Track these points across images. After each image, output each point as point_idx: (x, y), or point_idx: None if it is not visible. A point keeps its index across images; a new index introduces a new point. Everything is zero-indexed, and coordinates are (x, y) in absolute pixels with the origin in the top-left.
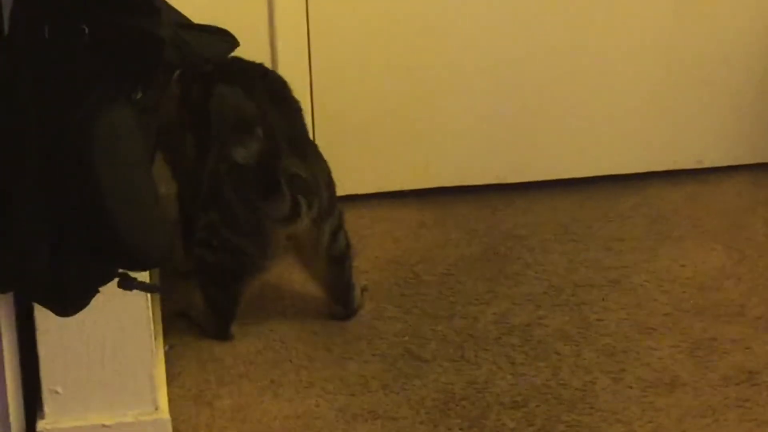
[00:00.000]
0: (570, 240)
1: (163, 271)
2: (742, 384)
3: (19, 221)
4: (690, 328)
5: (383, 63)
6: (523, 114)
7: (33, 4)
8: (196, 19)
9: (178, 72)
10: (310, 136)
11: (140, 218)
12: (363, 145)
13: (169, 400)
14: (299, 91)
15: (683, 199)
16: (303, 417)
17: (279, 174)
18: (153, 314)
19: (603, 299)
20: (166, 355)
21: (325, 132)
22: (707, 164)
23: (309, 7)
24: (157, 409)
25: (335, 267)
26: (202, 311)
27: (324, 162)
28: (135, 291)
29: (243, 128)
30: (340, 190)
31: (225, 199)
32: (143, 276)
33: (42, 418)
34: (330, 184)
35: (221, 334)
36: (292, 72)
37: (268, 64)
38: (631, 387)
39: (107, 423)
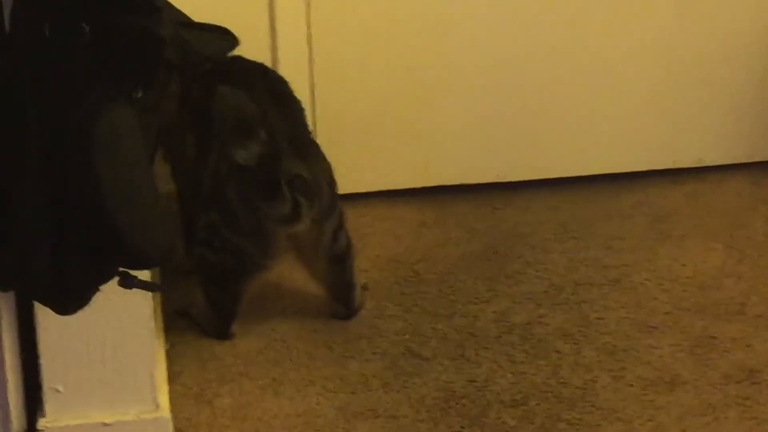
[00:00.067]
0: (570, 239)
1: (164, 270)
2: (742, 382)
3: (19, 220)
4: (690, 326)
5: (384, 62)
6: (523, 113)
7: (33, 3)
8: (197, 17)
9: (178, 72)
10: (312, 134)
11: (141, 217)
12: (364, 143)
13: (170, 399)
14: (300, 90)
15: (683, 197)
16: (304, 415)
17: (280, 175)
18: (154, 313)
19: (603, 298)
20: (167, 353)
21: (326, 131)
22: (707, 163)
23: (310, 7)
24: (157, 407)
25: (336, 266)
26: (203, 310)
27: (325, 161)
28: (136, 290)
29: (244, 129)
30: (341, 189)
31: (226, 199)
32: (144, 275)
33: (43, 416)
34: (331, 184)
35: (222, 333)
36: (292, 71)
37: (268, 63)
38: (631, 385)
39: (108, 421)
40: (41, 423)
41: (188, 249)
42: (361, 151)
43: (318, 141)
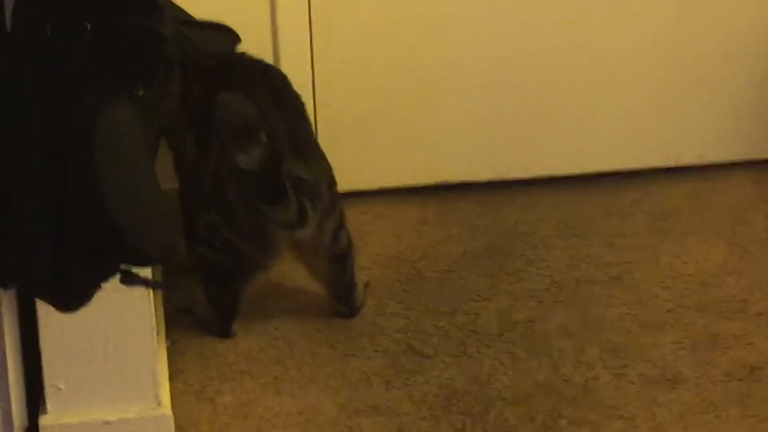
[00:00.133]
0: (572, 236)
1: (166, 267)
2: (744, 380)
3: (20, 219)
4: (692, 324)
5: (385, 60)
6: (524, 111)
7: (35, 3)
8: (198, 15)
9: (179, 70)
10: (312, 132)
11: (142, 216)
12: (365, 141)
13: (172, 396)
14: (301, 88)
15: (685, 195)
16: (305, 413)
17: (284, 179)
18: (155, 310)
19: (605, 295)
20: (169, 351)
21: (328, 129)
22: (709, 160)
23: (311, 4)
24: (159, 404)
25: (337, 266)
26: (204, 309)
27: (325, 160)
28: (137, 287)
29: (246, 134)
30: (342, 187)
31: (226, 199)
32: (146, 272)
33: (44, 413)
34: (331, 183)
35: (223, 331)
36: (294, 69)
37: (270, 61)
38: (632, 383)
39: (109, 419)
40: (42, 420)
41: (189, 247)
42: (362, 148)
43: (319, 139)
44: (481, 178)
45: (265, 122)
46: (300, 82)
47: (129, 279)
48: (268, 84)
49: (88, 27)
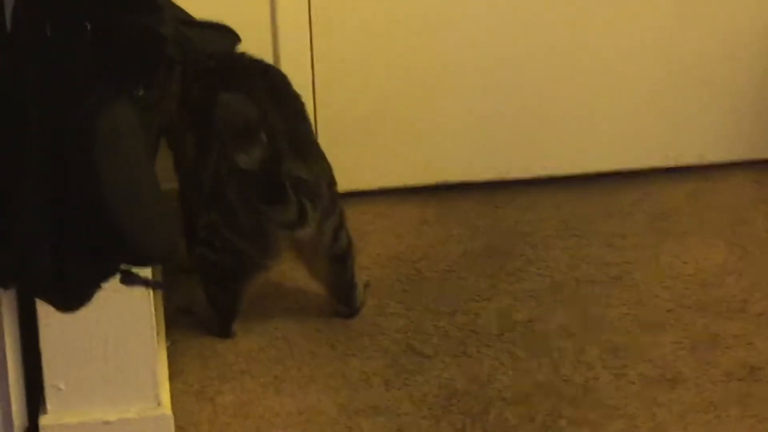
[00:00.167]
0: (572, 236)
1: (166, 267)
2: (744, 380)
3: (21, 218)
4: (692, 324)
5: (385, 60)
6: (524, 111)
7: (35, 3)
8: (199, 15)
9: (179, 70)
10: (313, 132)
11: (142, 215)
12: (365, 141)
13: (172, 396)
14: (301, 88)
15: (685, 195)
16: (305, 413)
17: (284, 179)
18: (155, 310)
19: (605, 295)
20: (169, 351)
21: (328, 128)
22: (709, 160)
23: (311, 4)
24: (159, 404)
25: (337, 266)
26: (204, 308)
27: (325, 160)
28: (137, 287)
29: (246, 133)
30: (343, 187)
31: (226, 200)
32: (146, 272)
33: (44, 413)
34: (331, 183)
35: (223, 332)
36: (294, 69)
37: (270, 61)
38: (632, 383)
39: (109, 419)
40: (42, 420)
41: (189, 247)
42: (362, 148)
43: (319, 139)
44: (481, 178)
45: (265, 122)
46: (300, 82)
47: (129, 279)
48: (268, 84)
49: (88, 27)
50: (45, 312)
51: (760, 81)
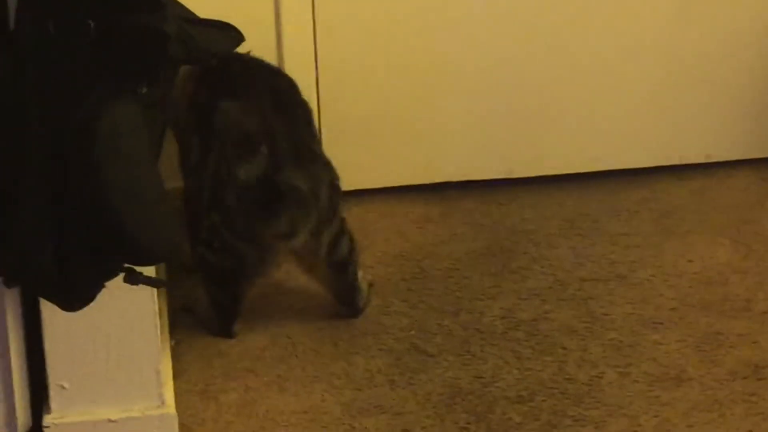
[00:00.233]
0: (576, 235)
1: (169, 266)
2: (748, 378)
3: (23, 217)
4: (696, 322)
5: (389, 60)
6: (528, 109)
7: (38, 1)
8: (202, 14)
9: (191, 69)
10: (317, 139)
11: (144, 214)
12: (368, 140)
13: (176, 395)
14: (305, 88)
15: (690, 193)
16: (309, 412)
17: (278, 193)
18: (159, 309)
19: (609, 294)
20: (173, 349)
21: (331, 128)
22: (714, 159)
23: (315, 5)
24: (163, 403)
25: (337, 273)
26: (206, 308)
27: (327, 168)
28: (141, 286)
29: (247, 146)
30: (347, 186)
31: (225, 203)
32: (149, 270)
33: (48, 412)
34: (332, 192)
35: (223, 332)
36: (297, 69)
37: (273, 61)
38: (637, 381)
39: (113, 418)
40: (47, 419)
41: (193, 245)
42: (365, 147)
43: (323, 139)
44: (484, 176)
45: (268, 131)
46: (304, 82)
47: (133, 278)
48: (275, 89)
49: (91, 25)
50: (49, 311)
51: (765, 79)
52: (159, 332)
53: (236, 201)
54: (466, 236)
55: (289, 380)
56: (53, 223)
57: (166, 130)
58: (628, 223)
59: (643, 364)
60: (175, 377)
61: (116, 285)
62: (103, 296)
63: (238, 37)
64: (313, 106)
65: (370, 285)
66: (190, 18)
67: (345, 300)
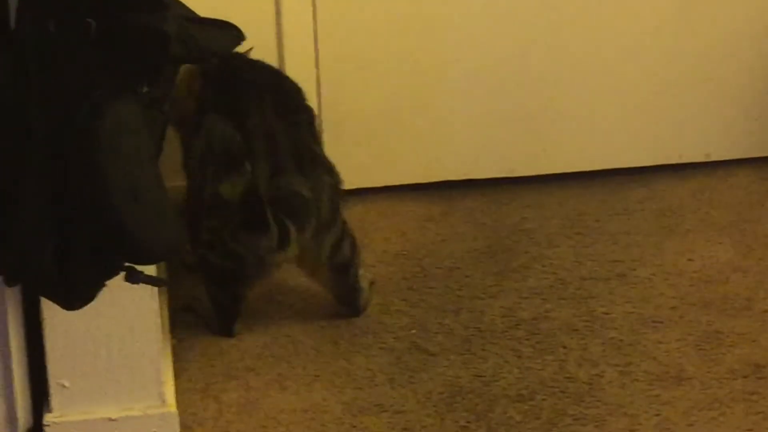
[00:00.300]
0: (577, 233)
1: (170, 265)
2: (748, 377)
3: (24, 216)
4: (696, 321)
5: (390, 58)
6: (529, 108)
7: (38, 0)
8: (203, 13)
9: (197, 68)
10: (319, 145)
11: (145, 213)
12: (370, 139)
13: (176, 394)
14: (306, 86)
15: (690, 192)
16: (310, 410)
17: (264, 209)
18: (160, 308)
19: (610, 293)
20: (173, 348)
21: (332, 127)
22: (714, 158)
23: (315, 4)
24: (164, 402)
25: (339, 275)
26: (206, 308)
27: (329, 173)
28: (142, 284)
29: (229, 164)
30: (348, 185)
31: (225, 206)
32: (150, 269)
33: (49, 411)
34: (334, 196)
35: (224, 331)
36: (298, 67)
37: (274, 60)
38: (637, 380)
39: (114, 416)
40: (47, 418)
41: (194, 243)
42: (367, 146)
43: (324, 138)
44: (485, 175)
45: (270, 135)
46: (305, 81)
47: (133, 277)
48: (278, 95)
49: (92, 24)
50: (50, 310)
51: (765, 79)
52: (160, 331)
53: (222, 218)
54: (466, 235)
55: (289, 379)
56: (54, 222)
57: (167, 129)
58: (629, 222)
59: (644, 362)
60: (175, 376)
61: (117, 284)
62: (103, 295)
63: (238, 36)
64: (314, 105)
65: (371, 284)
66: (190, 17)
67: (346, 301)
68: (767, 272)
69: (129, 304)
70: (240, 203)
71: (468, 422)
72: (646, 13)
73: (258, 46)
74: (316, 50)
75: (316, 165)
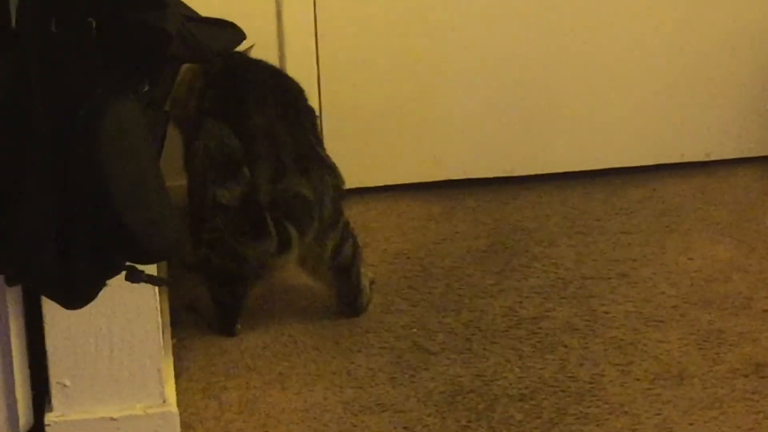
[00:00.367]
0: (578, 233)
1: (171, 264)
2: (749, 376)
3: (25, 215)
4: (697, 320)
5: (391, 57)
6: (531, 107)
7: None
8: (204, 12)
9: (198, 67)
10: (321, 145)
11: (146, 212)
12: (371, 138)
13: (177, 393)
14: (307, 85)
15: (691, 192)
16: (311, 410)
17: (264, 214)
18: (161, 307)
19: (611, 292)
20: (174, 348)
21: (333, 126)
22: (715, 157)
23: (316, 1)
24: (164, 401)
25: (341, 275)
26: (208, 307)
27: (332, 174)
28: (142, 284)
29: (228, 169)
30: (349, 184)
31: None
32: (151, 269)
33: (50, 411)
34: (336, 197)
35: (226, 330)
36: (299, 66)
37: (275, 58)
38: (638, 379)
39: (115, 416)
40: (48, 417)
41: (195, 244)
42: (368, 146)
43: (325, 137)
44: (486, 174)
45: (272, 137)
46: (306, 80)
47: (134, 276)
48: (280, 96)
49: (93, 23)
50: (51, 309)
51: (766, 78)
52: (161, 330)
53: (223, 221)
54: (467, 234)
55: (290, 378)
56: (54, 221)
57: (168, 128)
58: (630, 221)
59: (645, 362)
60: (176, 375)
61: (118, 283)
62: (104, 294)
63: (239, 35)
64: (315, 104)
65: (372, 282)
66: (191, 16)
67: (347, 300)
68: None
69: (130, 304)
70: (239, 209)
71: (469, 421)
72: (648, 14)
73: (259, 45)
74: (317, 49)
75: (319, 166)
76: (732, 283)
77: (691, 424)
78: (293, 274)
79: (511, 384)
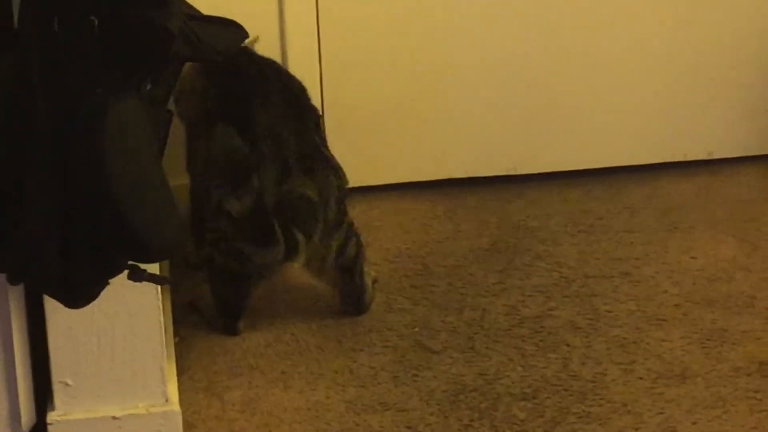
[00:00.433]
0: (580, 231)
1: (173, 263)
2: (752, 375)
3: (29, 214)
4: (700, 319)
5: (394, 55)
6: (533, 106)
7: None
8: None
9: (200, 65)
10: (325, 145)
11: (149, 211)
12: (374, 137)
13: (180, 392)
14: (310, 84)
15: (694, 190)
16: (313, 409)
17: (272, 222)
18: (163, 306)
19: (613, 291)
20: (177, 347)
21: (336, 124)
22: (718, 156)
23: (318, 0)
24: (167, 401)
25: (345, 275)
26: (211, 305)
27: (336, 174)
28: (145, 283)
29: (237, 179)
30: (352, 183)
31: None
32: (153, 268)
33: (52, 410)
34: (340, 198)
35: (228, 329)
36: (301, 64)
37: (277, 56)
38: (641, 378)
39: (117, 415)
40: (51, 417)
41: (197, 243)
42: (370, 144)
43: (327, 135)
44: (489, 173)
45: (276, 137)
46: (308, 78)
47: (136, 275)
48: (285, 96)
49: (95, 22)
50: (53, 308)
51: None
52: (163, 329)
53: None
54: (470, 233)
55: (293, 377)
56: (57, 220)
57: (170, 127)
58: (632, 219)
59: (647, 361)
60: (179, 374)
61: (120, 282)
62: (106, 293)
63: (241, 33)
64: (318, 103)
65: (374, 281)
66: (193, 15)
67: (350, 299)
68: None
69: (132, 303)
70: (249, 219)
71: (471, 420)
72: (650, 13)
73: (261, 44)
74: (319, 48)
75: (323, 166)
76: (735, 281)
77: (694, 423)
78: (296, 273)
79: (513, 383)
